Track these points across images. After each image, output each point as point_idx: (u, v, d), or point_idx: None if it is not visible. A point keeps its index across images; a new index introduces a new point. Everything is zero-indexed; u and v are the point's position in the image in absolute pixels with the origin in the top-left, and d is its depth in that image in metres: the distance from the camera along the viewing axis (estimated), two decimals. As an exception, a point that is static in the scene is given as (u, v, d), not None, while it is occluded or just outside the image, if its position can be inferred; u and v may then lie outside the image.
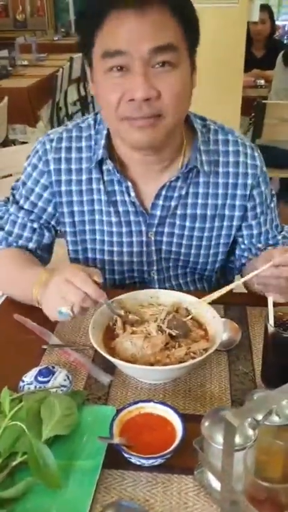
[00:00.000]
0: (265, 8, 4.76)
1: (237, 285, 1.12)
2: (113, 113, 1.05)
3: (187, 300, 1.08)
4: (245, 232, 1.27)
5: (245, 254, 1.30)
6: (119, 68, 1.00)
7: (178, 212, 1.23)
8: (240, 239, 1.29)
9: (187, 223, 1.24)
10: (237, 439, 0.70)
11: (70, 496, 0.75)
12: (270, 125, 3.47)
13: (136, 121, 1.04)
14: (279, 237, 1.30)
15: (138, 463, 0.78)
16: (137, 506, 0.74)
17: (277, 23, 5.71)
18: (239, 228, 1.27)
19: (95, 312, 1.03)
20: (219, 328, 0.99)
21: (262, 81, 4.50)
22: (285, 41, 6.43)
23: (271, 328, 0.88)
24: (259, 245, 1.28)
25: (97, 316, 1.02)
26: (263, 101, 3.48)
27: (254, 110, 3.51)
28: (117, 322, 1.03)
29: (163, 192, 1.20)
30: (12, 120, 4.56)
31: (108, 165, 1.19)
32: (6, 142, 4.33)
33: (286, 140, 3.54)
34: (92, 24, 1.02)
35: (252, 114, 3.61)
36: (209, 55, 2.87)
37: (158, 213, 1.22)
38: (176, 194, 1.21)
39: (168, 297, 1.10)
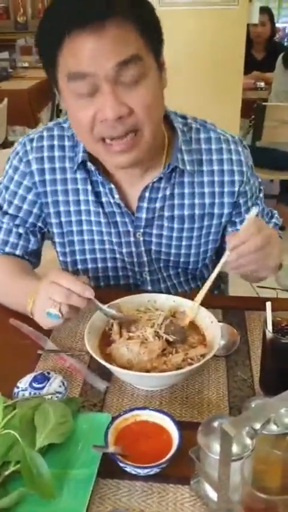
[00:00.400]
0: (265, 10, 4.76)
1: (211, 281, 1.06)
2: (88, 135, 1.03)
3: (184, 304, 1.07)
4: (239, 226, 1.23)
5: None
6: (87, 94, 0.98)
7: (165, 214, 1.21)
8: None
9: (175, 225, 1.22)
10: (235, 449, 0.68)
11: (64, 506, 0.74)
12: (270, 127, 3.47)
13: (113, 146, 1.03)
14: (271, 225, 1.29)
15: (133, 472, 0.77)
16: (132, 516, 0.72)
17: (277, 25, 5.71)
18: (233, 223, 1.26)
19: (91, 317, 1.02)
20: (217, 334, 0.97)
21: (262, 84, 4.49)
22: (285, 43, 6.44)
23: (269, 334, 0.86)
24: None
25: (93, 322, 1.01)
26: (263, 103, 3.48)
27: (254, 112, 3.51)
28: (113, 327, 1.01)
29: (146, 194, 1.19)
30: (12, 122, 4.56)
31: (90, 167, 1.18)
32: (6, 144, 4.32)
33: (286, 142, 3.54)
34: (51, 45, 0.98)
35: (252, 116, 3.60)
36: (209, 57, 2.88)
37: (144, 215, 1.21)
38: (160, 195, 1.19)
39: (166, 301, 1.09)
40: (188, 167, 1.17)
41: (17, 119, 4.63)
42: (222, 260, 0.97)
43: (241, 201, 1.22)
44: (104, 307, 1.02)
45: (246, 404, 0.79)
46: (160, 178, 1.17)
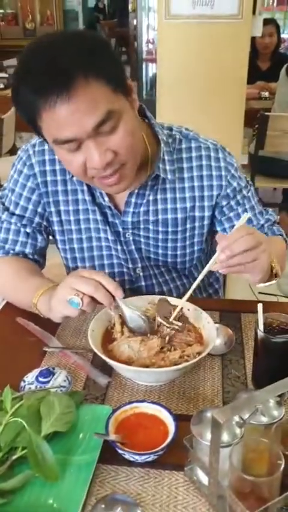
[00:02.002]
0: (271, 22, 4.83)
1: (199, 279, 1.06)
2: (81, 176, 1.10)
3: (184, 305, 1.12)
4: (226, 225, 1.31)
5: None
6: (72, 150, 1.04)
7: (150, 218, 1.29)
8: (224, 233, 1.33)
9: (160, 228, 1.30)
10: (225, 437, 0.74)
11: (66, 488, 0.79)
12: (273, 136, 3.52)
13: (104, 180, 1.10)
14: (262, 222, 1.34)
15: (131, 459, 0.82)
16: (130, 499, 0.78)
17: (282, 36, 5.76)
18: (220, 223, 1.32)
19: (94, 317, 1.08)
20: (213, 333, 1.03)
21: (266, 94, 4.55)
22: (290, 54, 6.49)
23: (260, 334, 0.92)
24: None
25: (96, 321, 1.07)
26: (266, 113, 3.53)
27: (257, 121, 3.57)
28: (115, 326, 1.07)
29: (132, 200, 1.26)
30: (19, 128, 4.62)
31: None
32: (14, 151, 4.39)
33: (288, 152, 3.59)
34: (29, 114, 1.03)
35: (256, 126, 3.66)
36: (213, 69, 2.94)
37: (129, 219, 1.28)
38: (144, 200, 1.27)
39: (166, 303, 1.14)
40: (169, 176, 1.25)
41: (24, 125, 4.60)
42: (212, 260, 1.00)
43: (224, 202, 1.29)
44: (128, 312, 1.06)
45: (238, 396, 0.85)
46: (144, 186, 1.25)
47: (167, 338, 1.03)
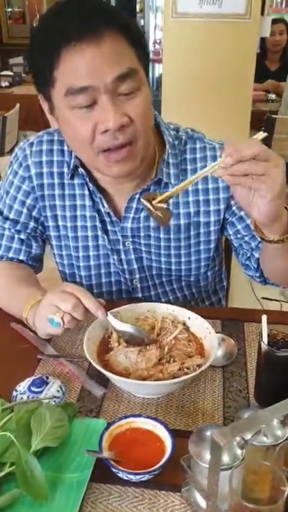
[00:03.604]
0: (281, 21, 4.81)
1: (196, 177, 0.91)
2: (88, 147, 1.04)
3: (184, 314, 1.08)
4: (239, 226, 1.23)
5: (244, 248, 1.25)
6: (86, 106, 0.99)
7: (151, 225, 1.22)
8: (230, 238, 1.27)
9: (162, 235, 1.23)
10: (225, 458, 0.70)
11: (56, 508, 0.75)
12: (279, 139, 3.48)
13: (111, 154, 1.04)
14: None
15: (125, 478, 0.78)
16: (123, 521, 0.74)
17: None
18: (231, 225, 1.24)
19: (91, 324, 1.03)
20: (214, 344, 0.98)
21: (273, 96, 4.52)
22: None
23: (264, 347, 0.88)
24: (250, 234, 1.22)
25: (92, 329, 1.03)
26: (273, 116, 3.50)
27: (263, 124, 3.53)
28: (112, 335, 1.03)
29: (133, 205, 1.20)
30: (23, 127, 4.60)
31: (81, 171, 1.19)
32: (17, 149, 4.36)
33: (295, 155, 3.55)
34: (47, 62, 0.99)
35: (262, 128, 3.62)
36: (219, 70, 2.90)
37: (129, 225, 1.22)
38: None
39: (165, 311, 1.10)
40: (172, 181, 1.18)
41: (28, 124, 4.67)
42: (214, 163, 0.85)
43: (233, 202, 1.21)
44: (119, 326, 1.02)
45: (240, 415, 0.80)
46: (145, 190, 1.18)
47: (166, 348, 0.99)
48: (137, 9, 10.42)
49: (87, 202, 1.22)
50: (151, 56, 6.88)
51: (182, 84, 2.88)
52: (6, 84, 5.47)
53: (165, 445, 0.81)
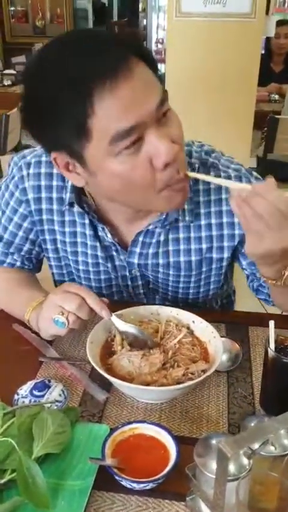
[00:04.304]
0: (286, 23, 4.78)
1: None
2: (147, 190, 0.92)
3: (188, 317, 1.07)
4: (243, 261, 1.18)
5: (257, 276, 1.20)
6: (132, 143, 0.87)
7: (160, 262, 1.15)
8: (241, 266, 1.21)
9: (171, 272, 1.16)
10: (231, 468, 0.68)
11: (58, 517, 0.73)
12: (282, 140, 3.47)
13: (177, 185, 0.94)
14: None
15: (129, 486, 0.76)
16: (126, 531, 0.72)
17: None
18: (243, 256, 1.17)
19: (94, 327, 1.02)
20: (219, 349, 0.96)
21: (276, 96, 4.50)
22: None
23: (271, 353, 0.86)
24: None
25: (95, 331, 1.01)
26: (276, 116, 3.48)
27: (266, 124, 3.51)
28: (116, 338, 1.01)
29: (140, 239, 1.12)
30: (26, 126, 4.58)
31: (78, 209, 1.10)
32: (19, 148, 4.35)
33: (298, 156, 3.53)
34: (74, 112, 0.85)
35: (265, 129, 3.60)
36: (223, 70, 2.88)
37: (136, 261, 1.15)
38: (154, 240, 1.12)
39: (169, 314, 1.08)
40: (187, 217, 1.09)
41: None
42: (241, 186, 0.87)
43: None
44: (123, 327, 1.00)
45: (245, 423, 0.78)
46: (154, 223, 1.10)
47: (170, 353, 0.97)
48: (140, 9, 10.41)
49: (88, 231, 1.14)
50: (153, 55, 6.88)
51: (185, 84, 2.85)
52: (9, 82, 5.47)
53: (170, 453, 0.79)
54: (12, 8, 9.65)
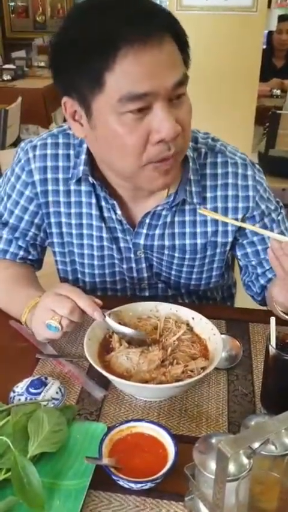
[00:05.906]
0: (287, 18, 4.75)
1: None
2: (134, 158, 0.94)
3: (188, 314, 1.05)
4: (249, 249, 1.19)
5: (250, 270, 1.23)
6: (138, 109, 0.89)
7: (166, 243, 1.16)
8: (237, 257, 1.22)
9: (176, 254, 1.17)
10: (231, 468, 0.66)
11: (54, 517, 0.72)
12: (284, 135, 3.44)
13: (162, 164, 0.95)
14: None
15: (126, 486, 0.75)
16: (123, 532, 0.70)
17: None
18: (241, 247, 1.20)
19: (92, 324, 1.00)
20: (219, 346, 0.95)
21: (278, 91, 4.48)
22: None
23: (273, 350, 0.84)
24: (258, 260, 1.20)
25: (93, 328, 0.99)
26: (278, 111, 3.45)
27: (268, 120, 3.48)
28: (114, 335, 0.99)
29: (147, 220, 1.13)
30: (25, 120, 4.57)
31: (86, 186, 1.12)
32: (18, 142, 4.33)
33: (300, 151, 3.51)
34: (97, 63, 0.87)
35: (267, 124, 3.57)
36: (225, 63, 2.86)
37: (142, 242, 1.16)
38: (160, 222, 1.13)
39: (169, 311, 1.07)
40: (195, 199, 1.11)
41: (30, 117, 4.64)
42: (280, 238, 0.91)
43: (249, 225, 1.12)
44: (118, 328, 0.99)
45: (246, 422, 0.77)
46: (161, 205, 1.11)
47: (169, 350, 0.95)
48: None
49: (94, 211, 1.15)
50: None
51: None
52: (9, 77, 5.44)
53: (168, 452, 0.78)
54: (12, 3, 9.63)
